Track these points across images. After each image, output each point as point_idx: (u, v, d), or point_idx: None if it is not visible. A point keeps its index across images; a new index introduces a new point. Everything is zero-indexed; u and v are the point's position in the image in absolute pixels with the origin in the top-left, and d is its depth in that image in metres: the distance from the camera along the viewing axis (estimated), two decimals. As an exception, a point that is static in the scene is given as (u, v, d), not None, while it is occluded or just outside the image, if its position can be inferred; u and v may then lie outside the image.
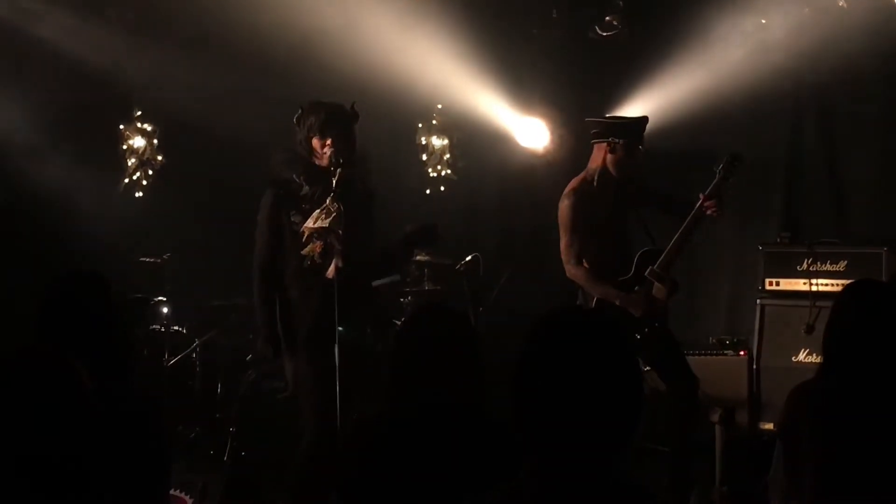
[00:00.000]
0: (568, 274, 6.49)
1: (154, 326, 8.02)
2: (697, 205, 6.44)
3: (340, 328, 5.48)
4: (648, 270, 6.44)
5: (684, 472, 6.32)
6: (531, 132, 9.21)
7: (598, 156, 6.51)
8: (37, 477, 2.21)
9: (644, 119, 6.58)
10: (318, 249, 5.58)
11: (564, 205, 6.49)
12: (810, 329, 7.85)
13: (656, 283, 6.43)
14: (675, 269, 6.55)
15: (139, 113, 8.97)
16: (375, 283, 6.39)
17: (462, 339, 3.47)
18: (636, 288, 6.43)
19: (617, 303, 6.35)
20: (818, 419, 3.51)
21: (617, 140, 6.41)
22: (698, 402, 6.49)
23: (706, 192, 6.47)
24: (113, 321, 3.67)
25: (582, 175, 6.59)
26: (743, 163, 6.59)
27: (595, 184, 6.49)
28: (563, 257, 6.48)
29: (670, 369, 6.49)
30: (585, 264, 6.45)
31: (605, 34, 8.88)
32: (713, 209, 6.44)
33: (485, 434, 3.32)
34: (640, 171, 6.67)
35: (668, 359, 6.49)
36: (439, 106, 9.21)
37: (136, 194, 8.95)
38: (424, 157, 9.21)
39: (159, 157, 9.01)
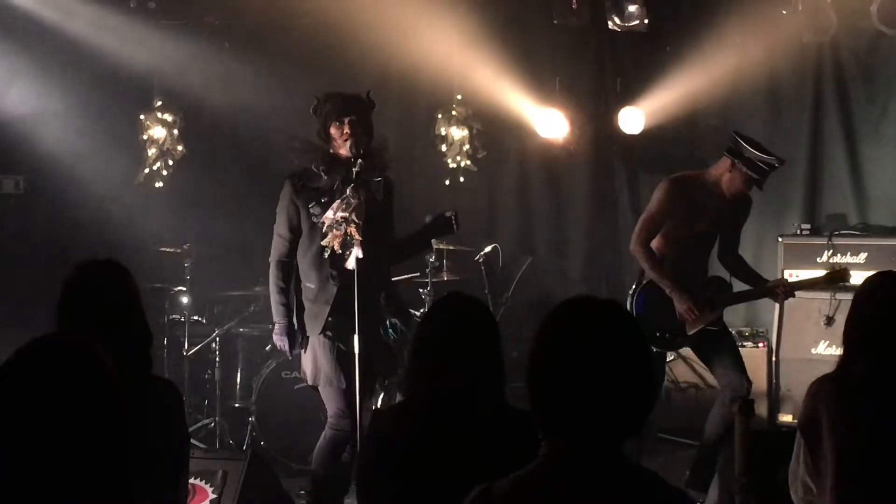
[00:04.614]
0: (631, 247, 6.55)
1: (174, 316, 8.04)
2: (776, 287, 6.66)
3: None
4: (712, 295, 6.51)
5: (709, 465, 6.32)
6: (551, 123, 9.18)
7: (722, 167, 6.54)
8: (62, 464, 2.22)
9: (777, 162, 6.49)
10: (337, 240, 5.57)
11: (663, 186, 6.58)
12: (830, 321, 7.84)
13: (708, 309, 6.47)
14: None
15: (159, 103, 8.99)
16: (396, 278, 6.39)
17: (482, 325, 3.47)
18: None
19: (667, 291, 6.39)
20: (839, 411, 3.50)
21: (741, 166, 6.41)
22: None
23: (792, 282, 6.76)
24: (133, 310, 3.68)
25: (701, 172, 6.68)
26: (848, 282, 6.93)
27: (705, 187, 6.53)
28: (636, 229, 6.57)
29: (725, 367, 6.50)
30: (655, 247, 6.49)
31: (625, 24, 8.85)
32: (784, 296, 6.68)
33: (505, 420, 3.33)
34: (745, 202, 6.72)
35: (725, 355, 6.52)
36: (459, 97, 9.19)
37: (157, 184, 8.97)
38: (444, 148, 9.19)
39: (179, 148, 9.03)
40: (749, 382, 6.45)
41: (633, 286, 6.64)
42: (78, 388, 2.28)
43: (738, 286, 6.77)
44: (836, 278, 6.88)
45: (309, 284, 5.83)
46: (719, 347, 6.56)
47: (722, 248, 6.80)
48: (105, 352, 2.39)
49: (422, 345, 3.49)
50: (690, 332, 6.48)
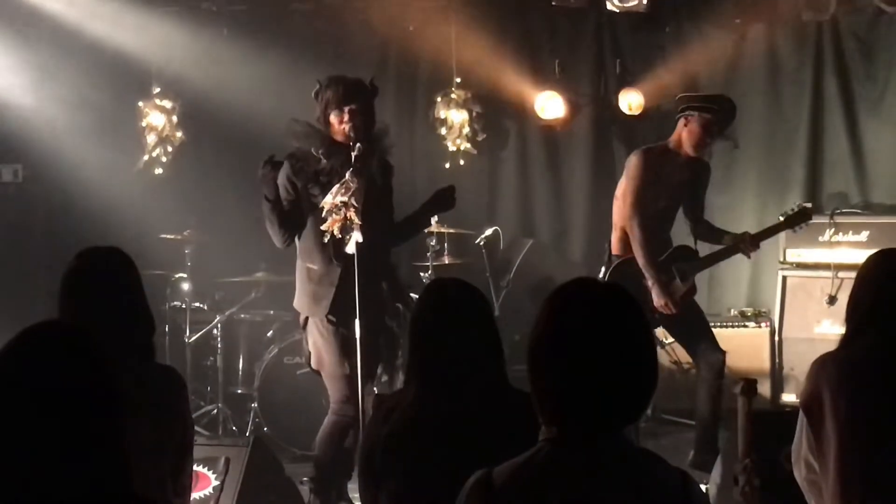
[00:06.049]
0: (626, 225, 6.49)
1: (175, 303, 8.04)
2: (740, 242, 6.62)
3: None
4: (680, 265, 6.48)
5: (711, 445, 6.33)
6: (550, 105, 9.16)
7: (678, 127, 6.59)
8: (60, 452, 2.22)
9: (724, 100, 6.56)
10: (337, 224, 5.54)
11: (637, 158, 6.57)
12: (832, 300, 7.84)
13: (678, 280, 6.46)
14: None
15: (158, 90, 8.97)
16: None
17: (469, 305, 3.46)
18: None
19: (649, 280, 6.41)
20: (841, 389, 3.49)
21: (691, 112, 6.41)
22: (724, 376, 6.52)
23: (755, 233, 6.72)
24: (135, 297, 3.67)
25: (664, 143, 6.69)
26: (809, 221, 6.87)
27: (669, 155, 6.55)
28: (629, 210, 6.51)
29: (697, 344, 6.51)
30: (621, 227, 6.50)
31: (624, 5, 8.82)
32: (750, 248, 6.64)
33: (506, 402, 3.32)
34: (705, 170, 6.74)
35: (695, 333, 6.53)
36: (458, 80, 9.17)
37: (156, 171, 8.97)
38: (444, 132, 9.18)
39: (178, 134, 9.01)
40: (723, 353, 6.48)
41: (603, 269, 6.65)
42: (74, 375, 2.26)
43: (703, 252, 6.81)
44: (797, 219, 6.84)
45: (311, 265, 5.79)
46: (692, 322, 6.61)
47: (689, 220, 6.80)
48: (101, 338, 2.37)
49: (415, 331, 3.49)
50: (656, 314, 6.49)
